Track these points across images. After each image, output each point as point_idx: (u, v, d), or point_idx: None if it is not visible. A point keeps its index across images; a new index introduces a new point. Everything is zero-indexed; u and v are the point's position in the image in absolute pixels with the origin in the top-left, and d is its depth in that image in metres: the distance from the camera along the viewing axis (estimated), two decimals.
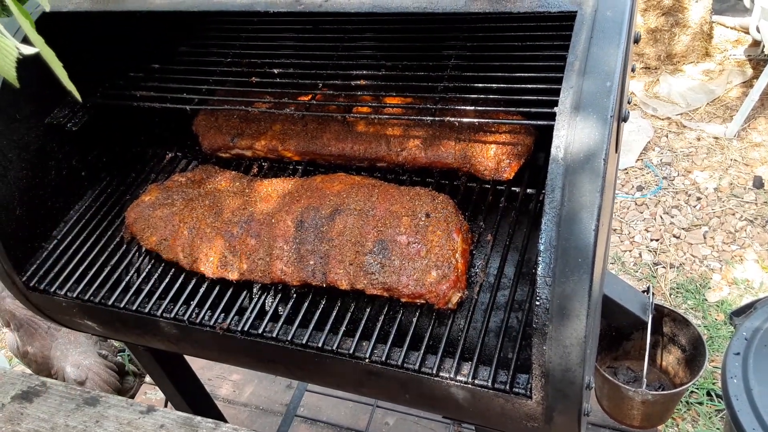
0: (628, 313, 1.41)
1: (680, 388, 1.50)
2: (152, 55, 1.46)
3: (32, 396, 1.09)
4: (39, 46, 0.59)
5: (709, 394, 2.40)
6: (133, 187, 1.47)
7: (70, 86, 0.64)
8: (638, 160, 3.71)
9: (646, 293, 1.49)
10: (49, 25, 0.73)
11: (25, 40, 0.62)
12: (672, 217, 3.29)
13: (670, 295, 2.87)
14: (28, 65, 1.20)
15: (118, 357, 2.68)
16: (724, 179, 3.46)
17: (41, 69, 1.27)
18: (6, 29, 0.60)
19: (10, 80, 0.58)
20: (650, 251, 3.12)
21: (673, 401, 1.55)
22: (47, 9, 0.64)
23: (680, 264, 3.03)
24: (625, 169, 3.66)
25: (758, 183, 3.37)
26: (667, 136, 3.87)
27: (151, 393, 2.56)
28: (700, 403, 2.37)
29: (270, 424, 2.33)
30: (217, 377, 2.53)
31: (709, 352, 2.56)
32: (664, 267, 3.02)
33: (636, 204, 3.41)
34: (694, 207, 3.33)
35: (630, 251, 3.14)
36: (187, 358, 1.85)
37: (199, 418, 1.00)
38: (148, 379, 2.63)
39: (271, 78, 1.32)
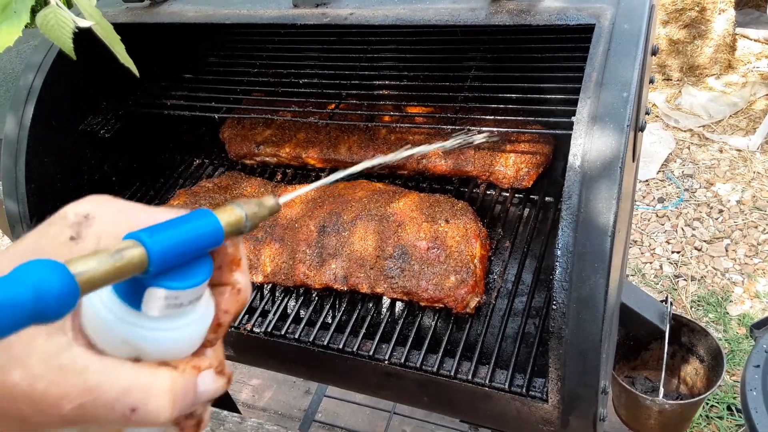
0: (645, 322, 1.42)
1: (697, 398, 1.50)
2: (183, 65, 1.52)
3: None
4: (96, 20, 0.62)
5: (729, 408, 2.37)
6: (161, 192, 1.51)
7: (128, 61, 0.66)
8: (660, 171, 3.69)
9: (664, 303, 1.50)
10: (86, 36, 0.78)
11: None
12: (693, 229, 3.27)
13: (691, 308, 2.85)
14: (66, 74, 1.25)
15: None
16: (746, 192, 3.43)
17: (77, 77, 1.33)
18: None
19: (66, 51, 0.60)
20: (671, 263, 3.10)
21: (690, 411, 1.54)
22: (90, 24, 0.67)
23: (702, 277, 3.00)
24: (647, 180, 3.64)
25: None
26: (689, 148, 3.84)
27: None
28: (721, 418, 2.34)
29: (288, 429, 2.35)
30: (237, 382, 2.57)
31: (730, 366, 2.54)
32: (685, 279, 3.00)
33: (657, 216, 3.39)
34: (716, 219, 3.31)
35: (651, 263, 3.12)
36: None
37: (225, 412, 1.03)
38: None
39: (296, 87, 1.36)
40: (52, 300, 0.31)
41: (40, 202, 1.30)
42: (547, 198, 1.26)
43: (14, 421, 0.37)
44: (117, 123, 1.43)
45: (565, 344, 0.87)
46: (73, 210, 0.41)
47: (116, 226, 0.40)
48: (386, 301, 1.18)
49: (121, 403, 0.37)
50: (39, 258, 0.33)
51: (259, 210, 0.43)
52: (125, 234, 0.37)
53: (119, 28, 1.26)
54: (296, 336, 1.14)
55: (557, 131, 1.08)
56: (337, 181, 0.58)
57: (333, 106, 1.31)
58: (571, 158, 0.86)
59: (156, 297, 0.38)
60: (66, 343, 0.37)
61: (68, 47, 0.60)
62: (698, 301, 2.88)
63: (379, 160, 0.57)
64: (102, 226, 0.41)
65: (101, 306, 0.38)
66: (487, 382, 1.01)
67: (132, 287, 0.38)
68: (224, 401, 1.92)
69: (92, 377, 0.37)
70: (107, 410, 0.37)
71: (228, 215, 0.41)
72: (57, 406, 0.36)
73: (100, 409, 0.37)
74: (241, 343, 1.22)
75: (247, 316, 1.20)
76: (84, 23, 0.61)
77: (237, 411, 2.01)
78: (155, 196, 1.50)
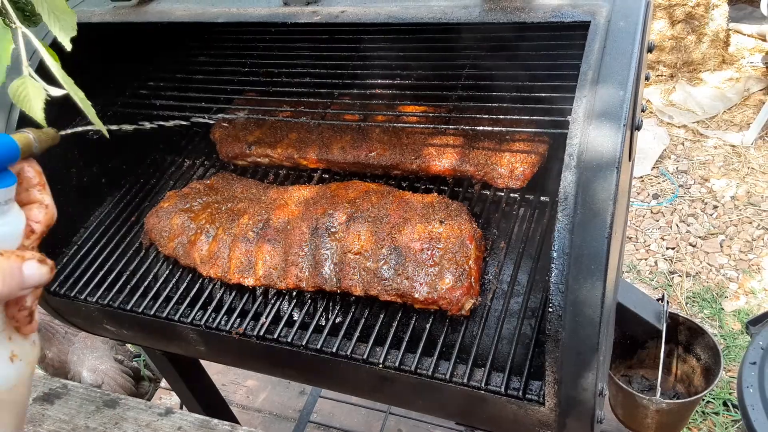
0: (642, 322, 1.41)
1: (694, 397, 1.49)
2: (172, 65, 1.50)
3: (53, 398, 1.11)
4: (68, 88, 0.62)
5: (725, 404, 2.37)
6: (152, 194, 1.49)
7: (99, 124, 0.68)
8: (654, 168, 3.69)
9: (660, 301, 1.49)
10: (73, 36, 0.76)
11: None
12: (688, 225, 3.27)
13: (686, 304, 2.85)
14: (53, 75, 1.22)
15: (134, 362, 2.71)
16: (741, 187, 3.43)
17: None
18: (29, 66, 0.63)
19: (39, 121, 0.62)
20: (666, 260, 3.10)
21: (687, 410, 1.54)
22: (69, 48, 0.66)
23: (696, 273, 3.00)
24: (641, 177, 3.64)
25: None
26: (683, 144, 3.84)
27: (166, 398, 2.59)
28: (717, 414, 2.34)
29: (283, 429, 2.34)
30: (232, 383, 2.55)
31: (726, 362, 2.54)
32: (680, 276, 3.00)
33: (652, 212, 3.39)
34: (711, 215, 3.31)
35: (645, 260, 3.12)
36: (203, 363, 1.87)
37: (216, 420, 1.02)
38: (163, 384, 2.65)
39: (288, 87, 1.34)
40: None
41: None
42: (542, 198, 1.25)
43: None
44: (106, 124, 1.40)
45: (561, 347, 0.86)
46: None
47: None
48: (380, 304, 1.16)
49: None
50: None
51: (43, 136, 0.59)
52: None
53: (107, 27, 1.25)
54: (289, 339, 1.12)
55: (552, 130, 1.07)
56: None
57: (325, 105, 1.29)
58: (566, 158, 0.84)
59: None
60: None
61: (40, 118, 0.62)
62: (693, 297, 2.88)
63: None
64: None
65: None
66: (483, 385, 0.99)
67: None
68: (216, 405, 1.90)
69: None
70: None
71: (20, 137, 0.56)
72: None
73: None
74: (234, 347, 1.20)
75: (239, 320, 1.18)
76: (56, 92, 0.61)
77: (230, 413, 2.00)
78: (145, 198, 1.48)
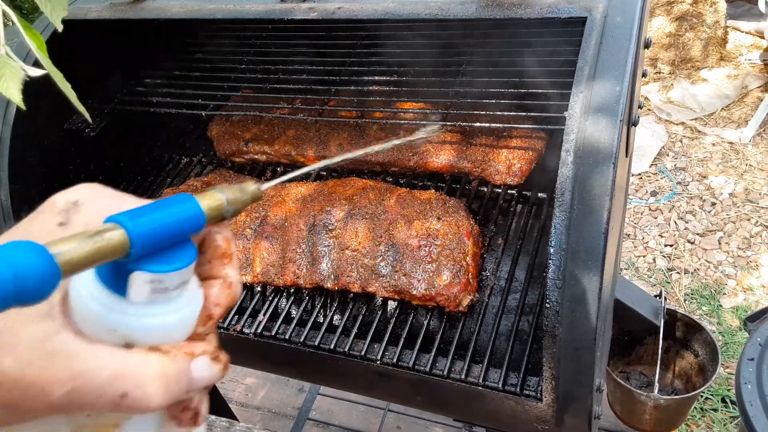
0: (640, 318, 1.41)
1: (692, 393, 1.49)
2: (169, 61, 1.49)
3: None
4: (48, 68, 0.60)
5: (724, 400, 2.37)
6: (149, 192, 1.49)
7: (80, 107, 0.66)
8: (652, 165, 3.69)
9: (658, 298, 1.49)
10: (70, 33, 0.76)
11: (36, 62, 0.63)
12: (686, 222, 3.27)
13: (685, 300, 2.85)
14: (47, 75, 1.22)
15: None
16: (739, 184, 3.43)
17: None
18: (19, 48, 0.62)
19: (16, 102, 0.59)
20: (664, 257, 3.10)
21: (685, 406, 1.54)
22: (60, 29, 0.65)
23: (695, 270, 3.00)
24: (639, 174, 3.64)
25: None
26: (681, 141, 3.84)
27: None
28: (715, 410, 2.34)
29: (282, 427, 2.34)
30: (231, 381, 2.55)
31: (724, 358, 2.54)
32: (678, 272, 3.00)
33: (650, 209, 3.39)
34: (709, 212, 3.31)
35: (644, 257, 3.12)
36: None
37: (213, 416, 1.02)
38: None
39: (285, 84, 1.34)
40: (32, 280, 0.31)
41: (24, 203, 1.28)
42: (540, 194, 1.25)
43: (4, 408, 0.36)
44: (102, 121, 1.40)
45: (559, 343, 0.86)
46: (62, 197, 0.41)
47: (106, 212, 0.38)
48: (378, 300, 1.16)
49: (111, 389, 0.36)
50: None
51: (240, 195, 0.42)
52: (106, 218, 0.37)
53: (104, 24, 1.24)
54: (287, 337, 1.12)
55: (549, 126, 1.07)
56: (324, 166, 0.58)
57: (322, 102, 1.29)
58: (563, 154, 0.85)
59: (141, 281, 0.37)
60: (54, 329, 0.37)
61: (17, 99, 0.58)
62: (692, 293, 2.88)
63: (365, 150, 0.57)
64: (91, 213, 0.40)
65: (87, 296, 0.38)
66: (480, 381, 0.99)
67: (117, 274, 0.37)
68: (215, 402, 1.90)
69: (81, 362, 0.36)
70: (96, 396, 0.36)
71: (209, 200, 0.40)
72: (46, 393, 0.35)
73: (89, 395, 0.36)
74: (231, 345, 1.20)
75: (237, 317, 1.18)
76: (35, 72, 0.59)
77: (229, 411, 2.00)
78: (142, 195, 1.48)
